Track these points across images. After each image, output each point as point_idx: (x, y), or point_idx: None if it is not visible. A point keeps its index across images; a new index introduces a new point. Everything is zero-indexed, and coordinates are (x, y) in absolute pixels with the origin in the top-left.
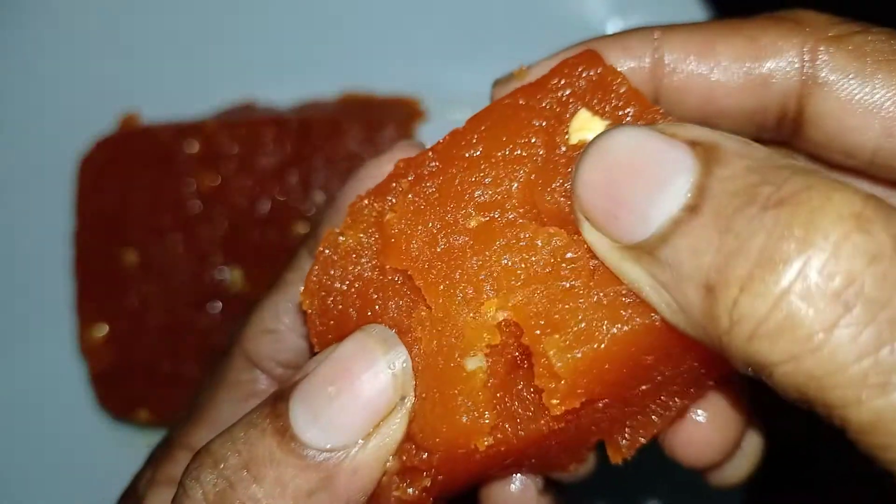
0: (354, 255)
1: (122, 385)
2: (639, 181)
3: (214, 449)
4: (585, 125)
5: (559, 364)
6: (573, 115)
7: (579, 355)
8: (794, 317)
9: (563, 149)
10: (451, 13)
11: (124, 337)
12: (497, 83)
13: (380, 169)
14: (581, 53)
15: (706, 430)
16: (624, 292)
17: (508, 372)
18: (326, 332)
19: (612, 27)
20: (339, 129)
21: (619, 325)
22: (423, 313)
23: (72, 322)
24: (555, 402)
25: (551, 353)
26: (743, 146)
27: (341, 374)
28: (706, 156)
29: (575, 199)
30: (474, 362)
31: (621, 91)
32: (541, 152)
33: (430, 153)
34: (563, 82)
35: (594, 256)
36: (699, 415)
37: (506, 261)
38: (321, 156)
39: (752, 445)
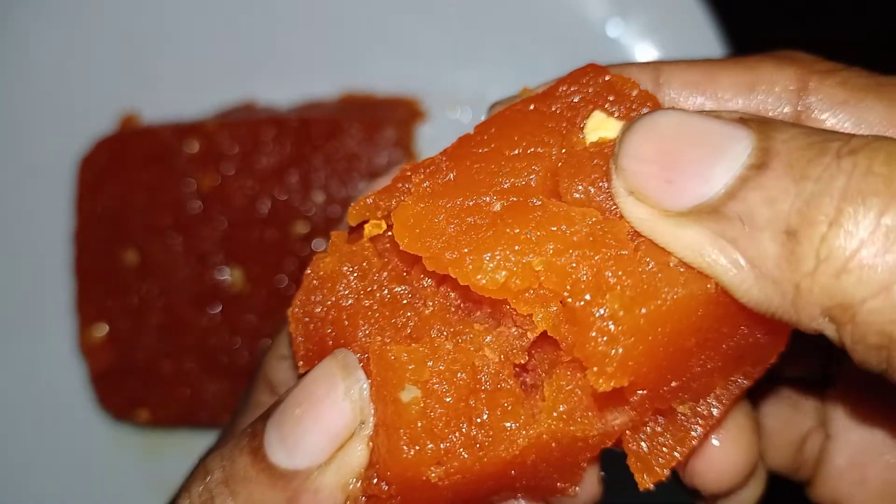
0: (331, 283)
1: (122, 385)
2: (694, 148)
3: (208, 462)
4: (601, 125)
5: (624, 317)
6: (586, 117)
7: (644, 311)
8: (887, 245)
9: (580, 148)
10: (450, 13)
11: (124, 337)
12: (495, 105)
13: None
14: (585, 66)
15: (727, 453)
16: (673, 263)
17: (466, 397)
18: (310, 355)
19: (612, 27)
20: (339, 129)
21: (678, 289)
22: (377, 342)
23: (72, 322)
24: (609, 370)
25: (616, 306)
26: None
27: (306, 398)
28: (760, 126)
29: (618, 174)
30: (409, 393)
31: (633, 94)
32: (555, 151)
33: (440, 156)
34: (571, 89)
35: (635, 234)
36: (716, 439)
37: (541, 232)
38: (321, 156)
39: (760, 471)
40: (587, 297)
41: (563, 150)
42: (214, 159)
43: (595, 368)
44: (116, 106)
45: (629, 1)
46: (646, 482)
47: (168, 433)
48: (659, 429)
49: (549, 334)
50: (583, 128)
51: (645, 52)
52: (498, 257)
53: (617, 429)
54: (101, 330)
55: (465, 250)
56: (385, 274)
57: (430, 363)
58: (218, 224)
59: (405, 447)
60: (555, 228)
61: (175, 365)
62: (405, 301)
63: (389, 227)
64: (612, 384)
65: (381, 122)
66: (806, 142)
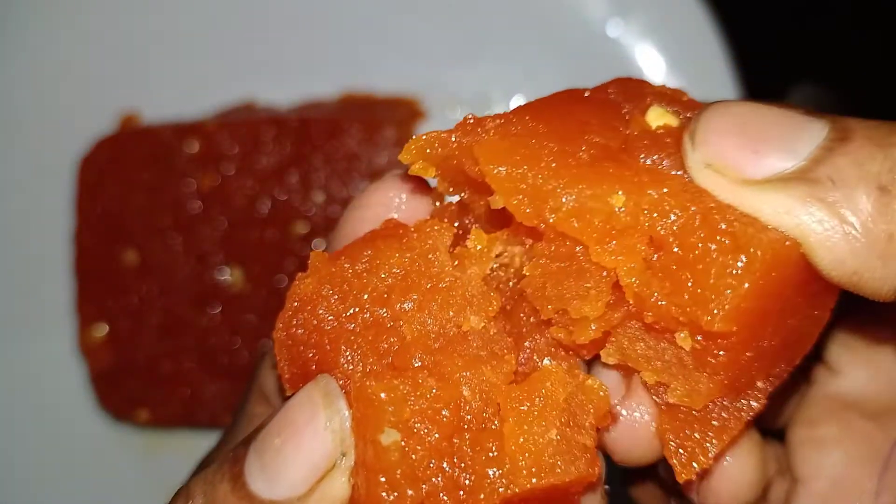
0: (311, 306)
1: (122, 385)
2: (775, 126)
3: (190, 486)
4: (661, 116)
5: (744, 258)
6: (643, 110)
7: (759, 253)
8: None
9: (645, 129)
10: (450, 13)
11: (124, 337)
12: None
13: (378, 195)
14: (627, 78)
15: (741, 469)
16: (750, 222)
17: (450, 435)
18: (295, 379)
19: (612, 27)
20: (339, 129)
21: (772, 245)
22: (357, 374)
23: (72, 322)
24: (725, 307)
25: (732, 245)
26: None
27: (287, 426)
28: (831, 116)
29: (696, 148)
30: (388, 437)
31: (684, 99)
32: (622, 127)
33: (502, 115)
34: (621, 89)
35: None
36: (729, 460)
37: (639, 178)
38: (321, 156)
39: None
40: (701, 234)
41: (629, 131)
42: (214, 159)
43: (712, 307)
44: (116, 106)
45: (629, 1)
46: (687, 473)
47: (168, 433)
48: (696, 425)
49: (629, 292)
50: (644, 115)
51: (645, 52)
52: (591, 193)
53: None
54: (101, 330)
55: (561, 185)
56: (366, 295)
57: (411, 401)
58: (218, 224)
59: (384, 493)
60: (648, 180)
61: (175, 365)
62: (389, 325)
63: (437, 174)
64: (723, 326)
65: (381, 122)
66: (875, 122)
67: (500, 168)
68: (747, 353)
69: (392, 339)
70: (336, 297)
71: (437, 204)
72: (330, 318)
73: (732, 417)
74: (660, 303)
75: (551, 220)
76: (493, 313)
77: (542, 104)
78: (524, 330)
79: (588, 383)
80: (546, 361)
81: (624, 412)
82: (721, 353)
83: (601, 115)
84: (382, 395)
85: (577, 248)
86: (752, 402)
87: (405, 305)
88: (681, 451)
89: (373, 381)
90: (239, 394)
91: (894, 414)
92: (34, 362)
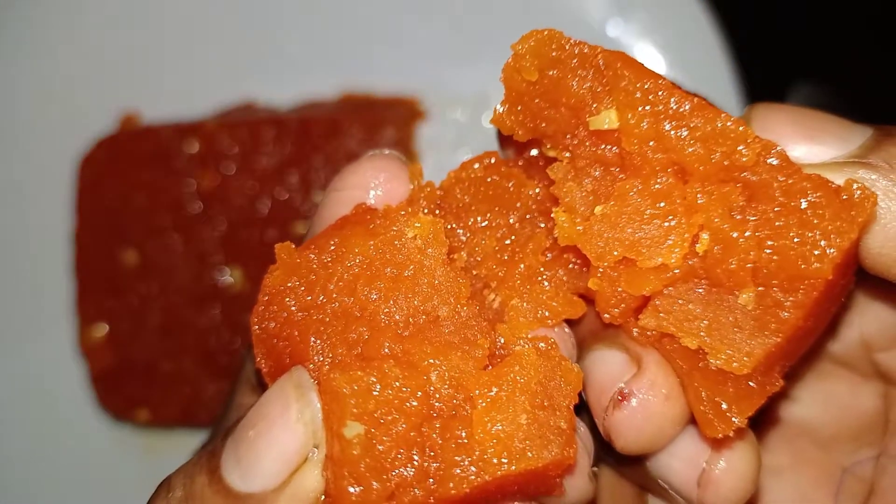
0: (280, 298)
1: (122, 385)
2: (824, 122)
3: (172, 478)
4: None
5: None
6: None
7: (858, 217)
8: None
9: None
10: (450, 13)
11: (124, 337)
12: None
13: (355, 177)
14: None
15: (739, 468)
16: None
17: (419, 424)
18: (272, 372)
19: (612, 27)
20: (339, 129)
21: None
22: (325, 366)
23: (72, 322)
24: (834, 251)
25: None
26: None
27: (260, 419)
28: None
29: (783, 124)
30: (351, 430)
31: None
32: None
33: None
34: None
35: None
36: (722, 463)
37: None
38: (321, 156)
39: None
40: (799, 187)
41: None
42: (214, 159)
43: (822, 250)
44: (116, 106)
45: (629, 1)
46: (712, 432)
47: (168, 433)
48: (730, 389)
49: (714, 239)
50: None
51: (645, 52)
52: (709, 131)
53: None
54: (101, 330)
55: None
56: (332, 285)
57: (376, 392)
58: (218, 224)
59: (350, 487)
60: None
61: (175, 365)
62: (357, 314)
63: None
64: (828, 271)
65: (381, 122)
66: None
67: (639, 84)
68: (808, 321)
69: (361, 329)
70: (303, 287)
71: (415, 184)
72: (298, 309)
73: (758, 392)
74: (748, 254)
75: (672, 145)
76: (463, 298)
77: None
78: (490, 315)
79: (564, 364)
80: (519, 346)
81: (636, 393)
82: (786, 314)
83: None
84: (345, 388)
85: (659, 185)
86: (774, 382)
87: (371, 294)
88: (710, 412)
89: (337, 373)
90: None
91: (844, 441)
92: (34, 362)
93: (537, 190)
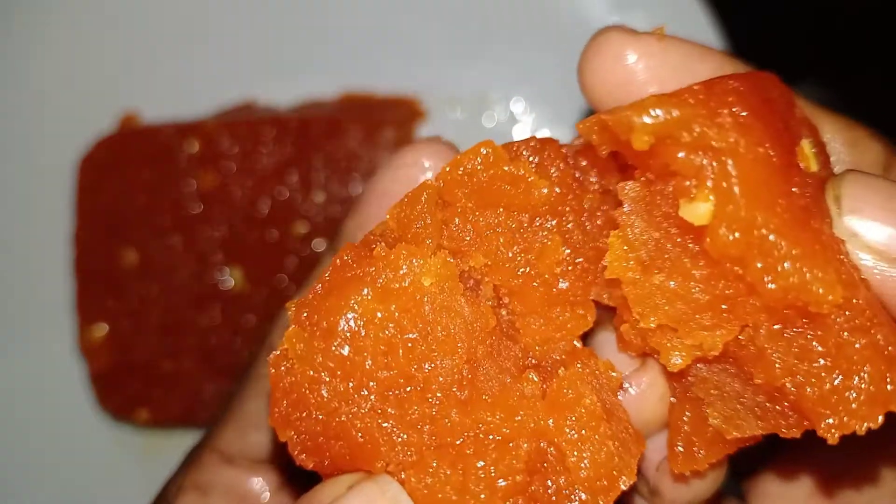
0: (314, 396)
1: (122, 385)
2: None
3: None
4: (805, 157)
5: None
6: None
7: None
8: None
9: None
10: (450, 13)
11: (124, 337)
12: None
13: (412, 155)
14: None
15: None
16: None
17: (524, 491)
18: (320, 465)
19: None
20: (339, 129)
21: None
22: (429, 468)
23: (72, 322)
24: (847, 424)
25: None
26: None
27: None
28: None
29: (844, 213)
30: None
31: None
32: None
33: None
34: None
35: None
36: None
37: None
38: (321, 156)
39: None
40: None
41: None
42: (214, 159)
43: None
44: (116, 106)
45: (629, 1)
46: (678, 467)
47: (168, 433)
48: (706, 435)
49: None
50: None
51: None
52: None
53: None
54: (101, 330)
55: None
56: (369, 365)
57: (503, 498)
58: (218, 224)
59: None
60: (819, 249)
61: (175, 365)
62: (406, 390)
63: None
64: (856, 426)
65: (381, 122)
66: None
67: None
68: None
69: (420, 409)
70: (339, 378)
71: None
72: (342, 404)
73: (731, 444)
74: (775, 369)
75: (764, 281)
76: (490, 328)
77: (749, 93)
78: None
79: (598, 362)
80: (560, 371)
81: (634, 386)
82: (784, 430)
83: (781, 134)
84: (454, 497)
85: (726, 292)
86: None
87: (413, 363)
88: (681, 446)
89: (432, 479)
90: None
91: None
92: (34, 362)
93: (545, 190)
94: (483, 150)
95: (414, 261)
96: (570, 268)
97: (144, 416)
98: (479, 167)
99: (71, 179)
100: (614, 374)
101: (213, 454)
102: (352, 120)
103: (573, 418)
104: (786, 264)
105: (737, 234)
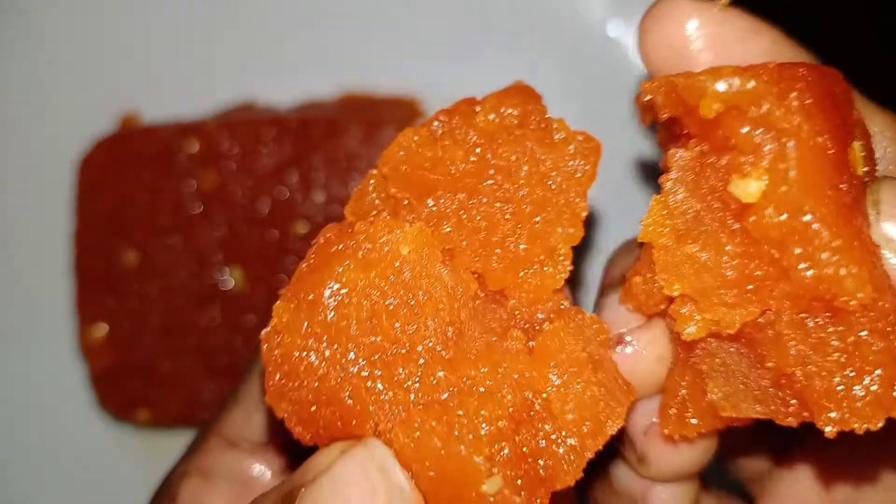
0: (304, 365)
1: (122, 385)
2: None
3: None
4: (854, 161)
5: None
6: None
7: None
8: None
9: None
10: (450, 13)
11: (124, 337)
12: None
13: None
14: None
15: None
16: None
17: (512, 437)
18: (316, 436)
19: (612, 27)
20: (339, 129)
21: None
22: (416, 422)
23: (72, 322)
24: (844, 420)
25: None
26: None
27: (341, 501)
28: None
29: (883, 220)
30: (493, 485)
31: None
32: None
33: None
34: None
35: None
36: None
37: None
38: (321, 156)
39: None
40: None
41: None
42: (214, 159)
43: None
44: (116, 106)
45: (629, 1)
46: (668, 427)
47: (168, 433)
48: (701, 403)
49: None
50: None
51: None
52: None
53: None
54: (101, 330)
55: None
56: (354, 332)
57: (483, 430)
58: (218, 224)
59: None
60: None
61: (175, 365)
62: (392, 353)
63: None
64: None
65: (381, 122)
66: None
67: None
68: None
69: (406, 370)
70: (325, 345)
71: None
72: (329, 368)
73: (722, 420)
74: (788, 358)
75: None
76: (472, 292)
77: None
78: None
79: (586, 317)
80: (546, 325)
81: (634, 342)
82: (788, 417)
83: (839, 130)
84: (477, 459)
85: (756, 273)
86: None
87: (397, 327)
88: (674, 411)
89: (429, 430)
90: None
91: None
92: (34, 362)
93: (463, 165)
94: (403, 141)
95: (393, 231)
96: (520, 227)
97: (144, 416)
98: (402, 159)
99: (71, 179)
100: (594, 318)
101: (216, 439)
102: (352, 120)
103: (555, 364)
104: (824, 254)
105: (783, 217)
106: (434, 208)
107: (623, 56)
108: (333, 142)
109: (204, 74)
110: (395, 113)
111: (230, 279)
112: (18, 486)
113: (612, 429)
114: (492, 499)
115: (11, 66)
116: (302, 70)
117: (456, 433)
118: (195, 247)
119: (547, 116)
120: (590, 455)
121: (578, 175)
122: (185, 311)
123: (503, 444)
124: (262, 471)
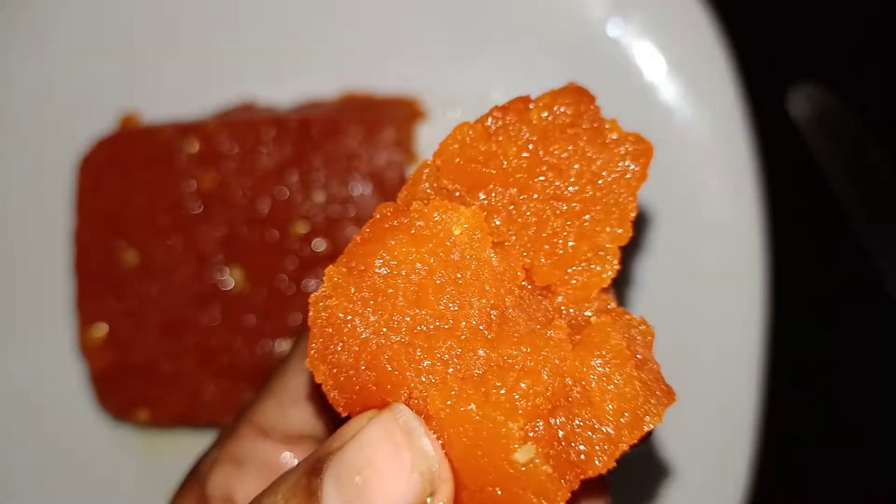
0: (350, 328)
1: (122, 385)
2: None
3: (262, 500)
4: None
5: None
6: None
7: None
8: None
9: None
10: (451, 13)
11: (124, 337)
12: None
13: None
14: None
15: None
16: None
17: (547, 419)
18: (350, 403)
19: (612, 27)
20: (339, 129)
21: None
22: (452, 390)
23: (71, 322)
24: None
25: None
26: None
27: (367, 464)
28: None
29: None
30: (525, 454)
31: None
32: None
33: None
34: None
35: None
36: None
37: None
38: (321, 156)
39: None
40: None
41: None
42: (214, 159)
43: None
44: (116, 106)
45: (629, 1)
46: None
47: (168, 433)
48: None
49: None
50: None
51: (645, 52)
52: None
53: None
54: (101, 330)
55: None
56: (401, 302)
57: (520, 406)
58: (218, 224)
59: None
60: None
61: (175, 365)
62: (434, 328)
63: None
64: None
65: (381, 122)
66: None
67: None
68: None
69: (447, 344)
70: (371, 310)
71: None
72: (373, 334)
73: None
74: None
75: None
76: (520, 280)
77: None
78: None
79: (631, 318)
80: (592, 319)
81: None
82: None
83: None
84: (509, 424)
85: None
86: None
87: (442, 303)
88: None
89: (469, 404)
90: (239, 394)
91: None
92: (34, 362)
93: (515, 161)
94: (459, 135)
95: (447, 211)
96: (569, 224)
97: (144, 416)
98: (456, 151)
99: (71, 179)
100: (638, 319)
101: (250, 427)
102: (352, 120)
103: (599, 355)
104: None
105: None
106: (485, 201)
107: (623, 56)
108: (333, 142)
109: (204, 74)
110: (396, 113)
111: (230, 279)
112: (18, 486)
113: (649, 424)
114: (523, 468)
115: (12, 66)
116: (302, 70)
117: (493, 400)
118: (195, 247)
119: (600, 116)
120: (624, 447)
121: (629, 176)
122: (185, 312)
123: (538, 421)
124: (295, 460)
